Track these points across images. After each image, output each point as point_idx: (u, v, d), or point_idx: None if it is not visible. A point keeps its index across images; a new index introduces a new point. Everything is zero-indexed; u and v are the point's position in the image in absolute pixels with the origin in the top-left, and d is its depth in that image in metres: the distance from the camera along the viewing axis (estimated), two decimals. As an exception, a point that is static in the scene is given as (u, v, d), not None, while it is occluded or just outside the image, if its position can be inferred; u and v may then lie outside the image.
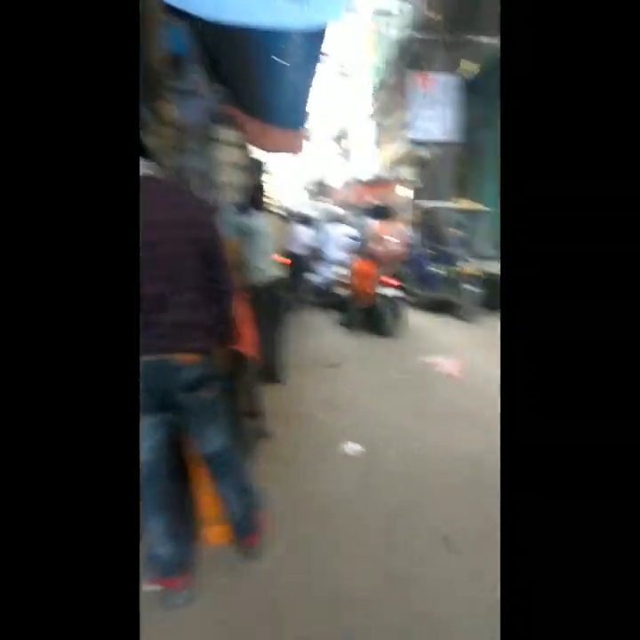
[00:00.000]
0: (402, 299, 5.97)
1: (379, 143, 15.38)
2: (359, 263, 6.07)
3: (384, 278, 5.91)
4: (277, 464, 2.81)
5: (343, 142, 19.34)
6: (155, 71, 2.60)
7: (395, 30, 12.54)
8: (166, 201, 1.66)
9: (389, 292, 5.88)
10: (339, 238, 7.74)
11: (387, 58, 12.80)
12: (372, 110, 15.70)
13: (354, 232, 7.83)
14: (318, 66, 7.84)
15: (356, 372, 4.64)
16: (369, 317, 6.41)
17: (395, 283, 5.93)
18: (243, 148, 7.68)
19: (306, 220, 10.25)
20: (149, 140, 2.01)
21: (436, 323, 6.94)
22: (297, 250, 9.89)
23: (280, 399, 3.83)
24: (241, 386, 2.86)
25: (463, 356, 5.04)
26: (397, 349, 5.44)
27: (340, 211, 9.86)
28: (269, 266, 4.12)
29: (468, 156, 11.22)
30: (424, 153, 10.03)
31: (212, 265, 1.75)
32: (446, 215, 7.38)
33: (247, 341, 2.87)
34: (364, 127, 17.19)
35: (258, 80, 7.00)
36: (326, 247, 7.91)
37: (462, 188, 11.14)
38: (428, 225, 8.44)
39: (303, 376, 4.44)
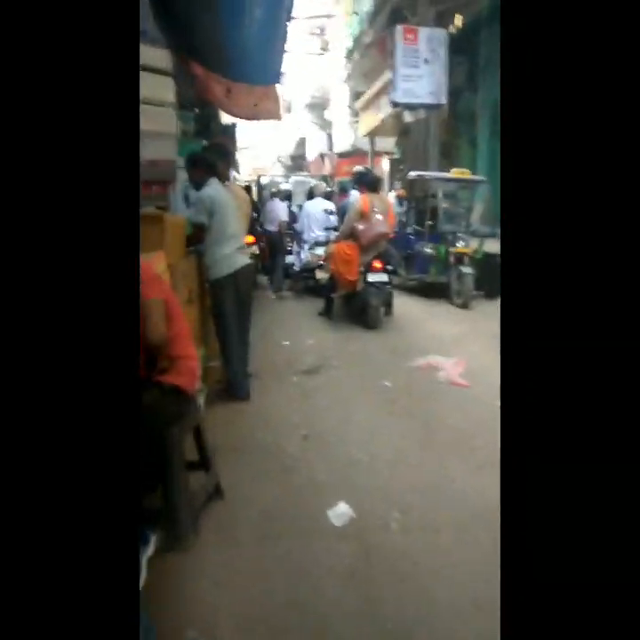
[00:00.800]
0: (388, 284, 5.04)
1: (358, 111, 14.16)
2: (339, 244, 5.09)
3: (368, 261, 4.96)
4: (226, 548, 1.89)
5: (319, 110, 17.97)
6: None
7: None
8: None
9: (374, 277, 4.95)
10: (316, 214, 6.73)
11: (365, 12, 11.56)
12: (347, 74, 14.41)
13: (332, 206, 6.82)
14: (287, 17, 6.69)
15: (337, 380, 3.72)
16: (352, 306, 5.49)
17: (380, 266, 4.99)
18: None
19: (279, 194, 9.20)
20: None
21: (427, 310, 6.04)
22: (270, 228, 8.89)
23: (242, 427, 2.91)
24: (181, 431, 1.94)
25: (465, 354, 4.18)
26: (386, 345, 4.54)
27: (319, 183, 8.78)
28: (234, 251, 3.16)
29: (455, 122, 10.18)
30: (408, 117, 8.96)
31: None
32: (437, 187, 6.42)
33: (184, 369, 1.97)
34: (341, 94, 15.89)
35: (220, 30, 5.93)
36: (302, 224, 6.89)
37: (449, 156, 10.14)
38: (416, 198, 7.47)
39: (274, 389, 3.51)
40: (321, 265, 6.15)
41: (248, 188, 8.59)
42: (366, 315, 5.02)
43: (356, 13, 12.59)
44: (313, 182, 8.86)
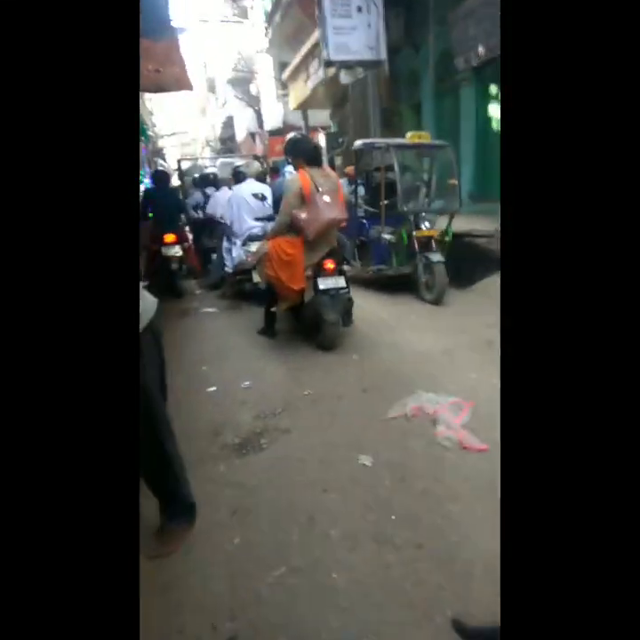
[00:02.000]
0: (347, 290, 3.66)
1: (286, 82, 12.50)
2: (274, 241, 3.63)
3: (317, 260, 3.56)
4: None
5: (244, 85, 16.06)
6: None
7: None
8: None
9: (328, 282, 3.55)
10: (247, 200, 5.20)
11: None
12: (269, 42, 12.67)
13: (266, 190, 5.31)
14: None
15: (287, 464, 2.33)
16: (300, 321, 4.08)
17: (333, 266, 3.59)
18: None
19: (205, 180, 7.52)
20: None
21: (394, 311, 4.72)
22: (195, 215, 7.25)
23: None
24: None
25: (464, 384, 2.90)
26: (353, 378, 3.19)
27: (250, 161, 7.16)
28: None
29: (394, 84, 8.78)
30: (344, 78, 7.50)
31: None
32: (391, 157, 5.05)
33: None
34: (265, 65, 14.12)
35: None
36: (231, 214, 5.34)
37: (391, 124, 8.77)
38: (365, 173, 6.07)
39: (195, 478, 2.07)
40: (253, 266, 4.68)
41: (166, 175, 6.91)
42: (321, 333, 3.64)
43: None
44: (242, 161, 7.28)
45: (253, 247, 5.01)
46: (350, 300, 3.72)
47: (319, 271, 3.56)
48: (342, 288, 3.59)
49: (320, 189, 3.44)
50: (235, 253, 5.35)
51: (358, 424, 2.58)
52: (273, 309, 3.87)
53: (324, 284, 3.52)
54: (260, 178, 5.77)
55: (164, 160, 17.79)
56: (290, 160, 3.72)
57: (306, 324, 3.88)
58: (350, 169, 6.44)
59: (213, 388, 3.18)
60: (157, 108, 27.35)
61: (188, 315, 5.29)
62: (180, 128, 32.22)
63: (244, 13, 14.98)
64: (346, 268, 3.77)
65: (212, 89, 22.76)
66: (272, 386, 3.18)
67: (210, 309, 5.41)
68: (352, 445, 2.37)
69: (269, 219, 4.69)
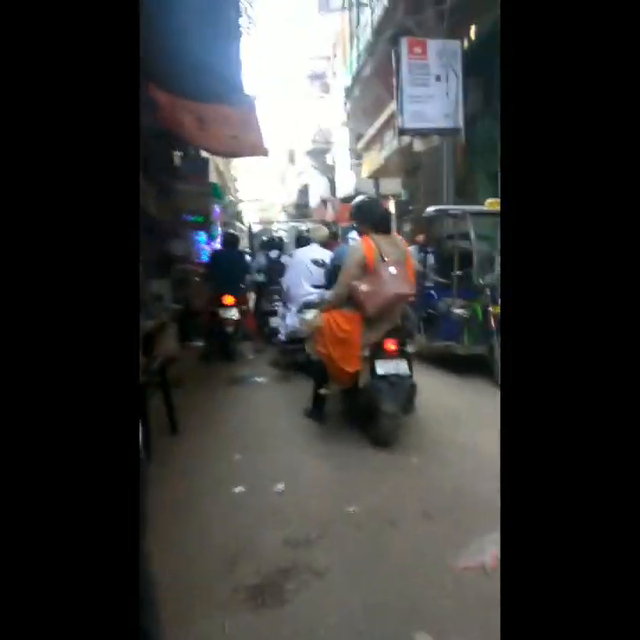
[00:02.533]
0: (410, 377, 3.03)
1: (360, 152, 12.62)
2: (329, 314, 3.13)
3: (376, 340, 2.99)
4: None
5: (320, 156, 16.56)
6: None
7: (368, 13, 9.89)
8: None
9: (388, 367, 2.95)
10: (307, 265, 4.82)
11: (364, 45, 10.12)
12: (347, 115, 12.97)
13: (326, 256, 4.89)
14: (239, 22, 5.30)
15: (318, 614, 1.66)
16: (353, 406, 3.47)
17: (394, 348, 3.00)
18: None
19: (270, 243, 7.35)
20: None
21: (465, 398, 3.98)
22: (258, 279, 7.02)
23: None
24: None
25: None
26: (414, 494, 2.49)
27: (317, 226, 6.87)
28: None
29: (471, 153, 8.39)
30: (418, 146, 7.22)
31: None
32: (467, 224, 4.51)
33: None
34: (342, 137, 14.47)
35: (169, 39, 4.39)
36: (289, 278, 4.98)
37: (465, 194, 8.30)
38: (436, 241, 5.56)
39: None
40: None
41: (235, 238, 6.84)
42: (376, 426, 3.00)
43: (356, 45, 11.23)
44: (308, 225, 7.06)
45: (309, 315, 4.56)
46: (413, 387, 3.07)
47: (378, 352, 2.98)
48: (405, 374, 2.97)
49: (386, 259, 2.93)
50: (289, 320, 4.91)
51: (417, 577, 1.86)
52: (322, 391, 3.30)
53: (383, 368, 2.92)
54: (326, 244, 5.41)
55: (242, 223, 18.53)
56: (355, 226, 3.25)
57: (359, 412, 3.26)
58: (420, 236, 5.96)
59: (241, 489, 2.59)
60: (242, 175, 29.17)
61: (237, 383, 4.85)
62: (260, 195, 34.11)
63: (325, 89, 15.73)
64: (409, 346, 3.16)
65: (291, 159, 23.94)
66: (311, 492, 2.55)
67: (259, 379, 4.94)
68: (406, 616, 1.66)
69: (328, 286, 4.25)
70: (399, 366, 2.95)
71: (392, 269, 2.91)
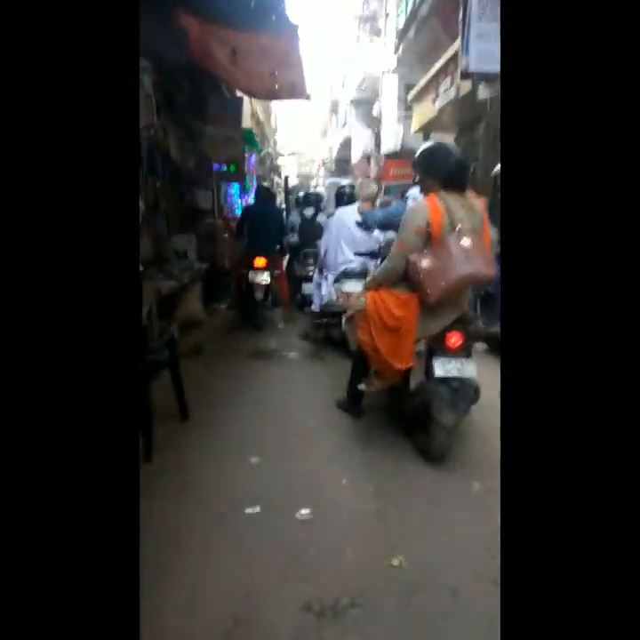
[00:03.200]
0: (473, 382, 2.34)
1: (410, 103, 11.40)
2: (376, 293, 2.45)
3: (437, 331, 2.30)
4: None
5: (366, 106, 15.23)
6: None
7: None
8: None
9: (450, 367, 2.28)
10: (349, 227, 4.09)
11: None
12: (398, 60, 11.66)
13: (373, 217, 4.12)
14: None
15: None
16: (398, 406, 2.82)
17: (459, 342, 2.31)
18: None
19: (306, 200, 6.54)
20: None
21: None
22: (291, 239, 6.33)
23: None
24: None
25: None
26: (470, 532, 1.89)
27: (364, 181, 5.99)
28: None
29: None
30: (483, 93, 6.17)
31: None
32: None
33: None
34: (390, 85, 13.15)
35: None
36: (327, 242, 4.28)
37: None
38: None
39: None
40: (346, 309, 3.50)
41: (269, 192, 6.10)
42: (428, 436, 2.37)
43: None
44: (348, 180, 6.24)
45: (347, 286, 3.88)
46: (477, 392, 2.39)
47: (438, 347, 2.31)
48: (470, 378, 2.29)
49: (458, 227, 2.20)
50: (324, 290, 4.25)
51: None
52: (362, 387, 2.66)
53: (443, 368, 2.25)
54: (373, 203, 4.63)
55: (280, 178, 17.61)
56: (417, 179, 2.49)
57: (407, 417, 2.62)
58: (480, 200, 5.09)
59: (255, 509, 2.04)
60: (282, 127, 27.81)
61: (262, 356, 4.28)
62: (300, 149, 32.59)
63: (376, 31, 14.22)
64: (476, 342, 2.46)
65: (334, 110, 22.43)
66: (342, 524, 1.97)
67: (288, 354, 4.35)
68: None
69: (374, 255, 3.55)
70: (464, 367, 2.27)
71: (465, 241, 2.18)
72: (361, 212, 3.67)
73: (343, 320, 3.21)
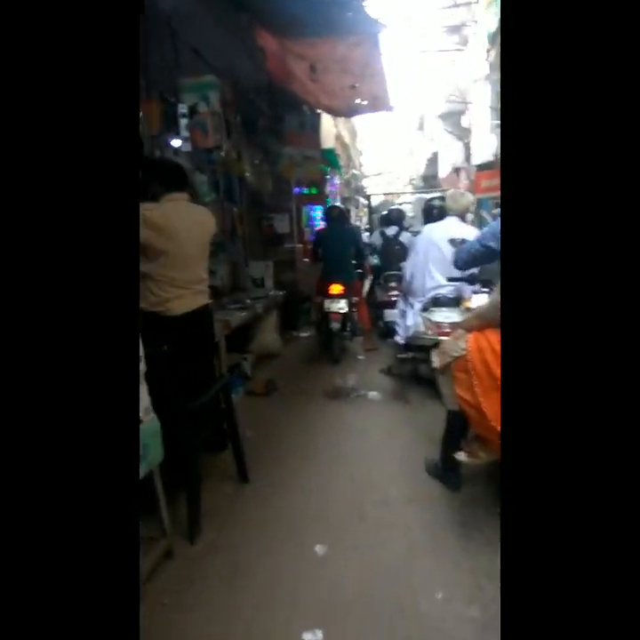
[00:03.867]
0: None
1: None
2: (480, 335, 1.81)
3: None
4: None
5: (454, 118, 14.41)
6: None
7: None
8: None
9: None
10: (440, 247, 3.45)
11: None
12: (490, 66, 10.79)
13: (469, 234, 3.40)
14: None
15: None
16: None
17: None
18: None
19: (387, 218, 5.94)
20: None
21: None
22: (373, 261, 5.78)
23: None
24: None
25: None
26: None
27: (456, 192, 5.27)
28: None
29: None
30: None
31: None
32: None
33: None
34: (481, 94, 12.28)
35: None
36: (413, 264, 3.68)
37: None
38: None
39: None
40: (437, 343, 2.80)
41: (339, 211, 5.50)
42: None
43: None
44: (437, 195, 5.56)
45: (438, 316, 3.23)
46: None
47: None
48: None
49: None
50: (410, 320, 3.62)
51: None
52: (460, 457, 2.01)
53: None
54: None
55: (365, 198, 17.27)
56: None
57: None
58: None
59: (316, 637, 1.49)
60: (368, 148, 27.60)
61: (338, 395, 3.75)
62: (387, 168, 32.15)
63: (463, 41, 13.45)
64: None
65: (420, 126, 21.75)
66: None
67: (368, 393, 3.77)
68: None
69: (472, 280, 2.88)
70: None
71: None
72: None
73: (433, 362, 2.56)
